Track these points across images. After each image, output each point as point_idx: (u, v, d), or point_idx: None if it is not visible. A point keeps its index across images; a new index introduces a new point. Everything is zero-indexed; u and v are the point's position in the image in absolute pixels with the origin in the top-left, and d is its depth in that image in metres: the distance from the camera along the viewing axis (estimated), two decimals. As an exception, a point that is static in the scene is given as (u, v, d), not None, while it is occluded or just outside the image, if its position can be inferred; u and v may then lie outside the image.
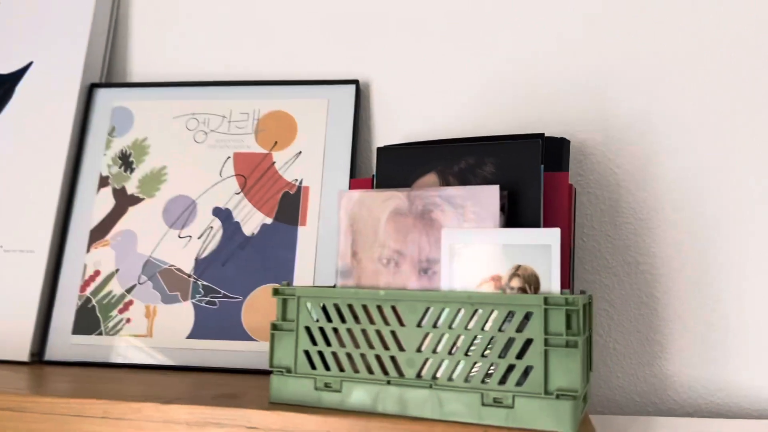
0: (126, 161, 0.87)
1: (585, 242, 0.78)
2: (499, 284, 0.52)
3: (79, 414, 0.61)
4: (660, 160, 0.77)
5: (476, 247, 0.53)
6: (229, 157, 0.85)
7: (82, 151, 0.88)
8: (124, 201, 0.85)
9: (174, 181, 0.85)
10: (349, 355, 0.57)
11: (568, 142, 0.69)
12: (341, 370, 0.57)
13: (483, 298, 0.52)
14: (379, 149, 0.64)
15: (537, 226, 0.54)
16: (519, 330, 0.50)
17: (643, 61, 0.78)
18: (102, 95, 0.90)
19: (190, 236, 0.82)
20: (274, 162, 0.84)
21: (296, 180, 0.82)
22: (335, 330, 0.58)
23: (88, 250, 0.83)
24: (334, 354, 0.57)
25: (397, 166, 0.62)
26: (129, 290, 0.81)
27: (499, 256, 0.53)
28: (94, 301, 0.81)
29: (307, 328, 0.58)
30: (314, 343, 0.58)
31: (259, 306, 0.78)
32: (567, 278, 0.56)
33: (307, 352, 0.58)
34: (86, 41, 0.90)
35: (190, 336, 0.78)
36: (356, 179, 0.66)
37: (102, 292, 0.81)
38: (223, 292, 0.79)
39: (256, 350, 0.76)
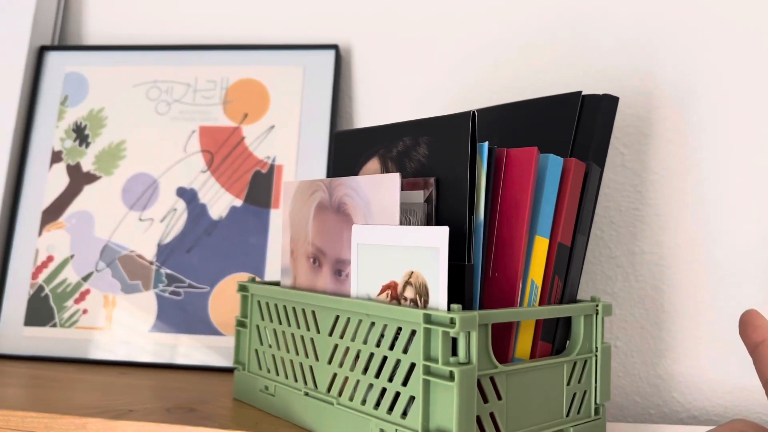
0: (81, 134, 0.78)
1: (586, 229, 0.71)
2: (395, 293, 0.44)
3: (19, 428, 0.54)
4: (672, 140, 0.69)
5: (378, 248, 0.45)
6: (194, 131, 0.76)
7: (31, 123, 0.79)
8: (79, 179, 0.77)
9: (134, 158, 0.77)
10: (282, 359, 0.53)
11: (616, 100, 0.54)
12: (278, 374, 0.54)
13: (374, 309, 0.44)
14: (335, 134, 0.56)
15: (463, 220, 0.44)
16: (407, 350, 0.42)
17: (680, 25, 0.70)
18: (53, 59, 0.81)
19: (151, 219, 0.74)
20: (244, 137, 0.75)
21: (268, 158, 0.74)
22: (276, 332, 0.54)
23: (39, 233, 0.76)
24: (274, 356, 0.54)
25: (350, 152, 0.54)
26: (85, 278, 0.74)
27: (397, 259, 0.44)
28: (47, 290, 0.74)
29: (257, 327, 0.57)
30: (261, 342, 0.56)
31: (227, 298, 0.71)
32: (548, 285, 0.48)
33: (257, 352, 0.57)
34: (34, -2, 0.81)
35: (153, 329, 0.71)
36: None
37: (56, 280, 0.74)
38: (188, 281, 0.72)
39: (224, 346, 0.70)
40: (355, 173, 0.54)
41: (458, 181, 0.46)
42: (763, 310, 0.65)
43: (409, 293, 0.43)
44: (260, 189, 0.73)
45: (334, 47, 0.76)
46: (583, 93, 0.55)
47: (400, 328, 0.42)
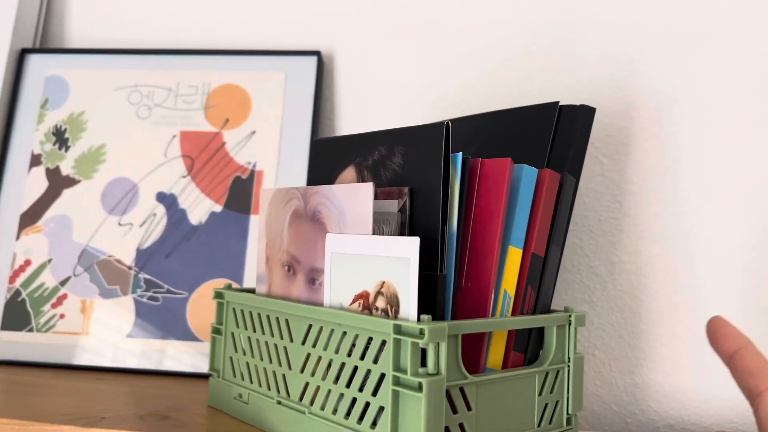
0: (61, 138, 0.78)
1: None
2: (367, 303, 0.44)
3: (-12, 435, 0.54)
4: (652, 150, 0.69)
5: (351, 257, 0.45)
6: (175, 136, 0.76)
7: (10, 126, 0.79)
8: (58, 182, 0.76)
9: (114, 162, 0.76)
10: (256, 367, 0.53)
11: (593, 111, 0.54)
12: (252, 381, 0.54)
13: (346, 319, 0.44)
14: (312, 142, 0.56)
15: (436, 230, 0.44)
16: (377, 361, 0.42)
17: (661, 35, 0.70)
18: (34, 62, 0.81)
19: (131, 224, 0.74)
20: (225, 142, 0.75)
21: (249, 163, 0.74)
22: (250, 339, 0.54)
23: (17, 237, 0.75)
24: (248, 364, 0.54)
25: (326, 160, 0.55)
26: (63, 282, 0.73)
27: (369, 269, 0.44)
28: (24, 294, 0.73)
29: (232, 334, 0.56)
30: (236, 350, 0.56)
31: (205, 303, 0.71)
32: (521, 295, 0.48)
33: (231, 359, 0.56)
34: (16, 0, 0.80)
35: (130, 335, 0.71)
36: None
37: (33, 284, 0.74)
38: (166, 286, 0.72)
39: (202, 352, 0.69)
40: (332, 181, 0.54)
41: (432, 191, 0.46)
42: (741, 320, 0.66)
43: (381, 303, 0.43)
44: (240, 195, 0.73)
45: (317, 53, 0.76)
46: (560, 103, 0.55)
47: (371, 338, 0.42)
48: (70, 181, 0.76)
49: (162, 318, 0.71)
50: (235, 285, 0.70)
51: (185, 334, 0.70)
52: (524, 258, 0.48)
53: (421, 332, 0.39)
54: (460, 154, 0.46)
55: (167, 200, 0.74)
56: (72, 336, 0.72)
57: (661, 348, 0.68)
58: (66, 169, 0.77)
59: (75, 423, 0.52)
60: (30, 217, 0.76)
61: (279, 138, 0.74)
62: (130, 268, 0.73)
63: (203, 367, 0.69)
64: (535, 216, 0.49)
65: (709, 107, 0.68)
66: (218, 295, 0.58)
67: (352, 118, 0.77)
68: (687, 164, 0.68)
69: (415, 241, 0.41)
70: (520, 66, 0.73)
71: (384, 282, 0.43)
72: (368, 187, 0.45)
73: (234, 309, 0.56)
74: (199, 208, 0.73)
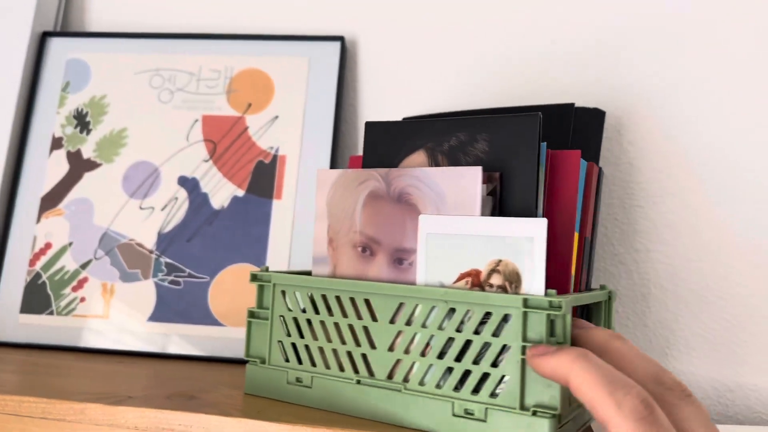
0: (82, 121, 0.77)
1: (590, 226, 0.71)
2: (477, 280, 0.45)
3: (15, 413, 0.53)
4: (678, 137, 0.69)
5: (455, 237, 0.46)
6: (197, 120, 0.76)
7: (32, 109, 0.78)
8: (79, 166, 0.76)
9: (135, 145, 0.76)
10: (321, 350, 0.52)
11: (603, 113, 0.60)
12: (314, 364, 0.52)
13: (458, 295, 0.45)
14: (367, 124, 0.55)
15: (531, 213, 0.46)
16: (495, 334, 0.44)
17: (660, 21, 0.70)
18: (55, 45, 0.80)
19: (152, 207, 0.74)
20: (248, 127, 0.75)
21: (272, 148, 0.74)
22: (309, 321, 0.53)
23: (38, 220, 0.75)
24: (307, 347, 0.52)
25: (386, 144, 0.54)
26: (84, 266, 0.73)
27: (479, 248, 0.45)
28: (44, 277, 0.73)
29: (282, 318, 0.54)
30: (288, 334, 0.54)
31: (227, 288, 0.70)
32: (568, 275, 0.48)
33: (281, 344, 0.54)
34: (38, -17, 0.80)
35: (151, 318, 0.70)
36: (356, 156, 0.58)
37: (53, 267, 0.73)
38: (188, 270, 0.71)
39: (224, 336, 0.69)
40: (395, 165, 0.54)
41: (520, 179, 0.47)
42: None
43: (496, 280, 0.44)
44: (263, 179, 0.73)
45: (340, 39, 0.75)
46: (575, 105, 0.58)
47: (487, 314, 0.44)
48: (92, 165, 0.76)
49: (183, 302, 0.70)
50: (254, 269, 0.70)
51: (206, 319, 0.70)
52: (580, 241, 0.50)
53: (551, 305, 0.42)
54: (545, 144, 0.48)
55: (189, 184, 0.74)
56: (92, 319, 0.71)
57: (686, 338, 0.68)
58: (87, 152, 0.76)
59: (102, 401, 0.51)
60: (51, 201, 0.75)
61: (302, 123, 0.74)
62: (151, 252, 0.72)
63: (225, 352, 0.68)
64: (587, 203, 0.51)
65: (734, 90, 0.67)
66: (259, 278, 0.55)
67: (376, 105, 0.77)
68: (715, 151, 0.68)
69: (543, 221, 0.43)
70: (553, 58, 0.73)
71: (501, 260, 0.44)
72: (477, 171, 0.47)
73: (283, 291, 0.54)
74: (221, 192, 0.73)
